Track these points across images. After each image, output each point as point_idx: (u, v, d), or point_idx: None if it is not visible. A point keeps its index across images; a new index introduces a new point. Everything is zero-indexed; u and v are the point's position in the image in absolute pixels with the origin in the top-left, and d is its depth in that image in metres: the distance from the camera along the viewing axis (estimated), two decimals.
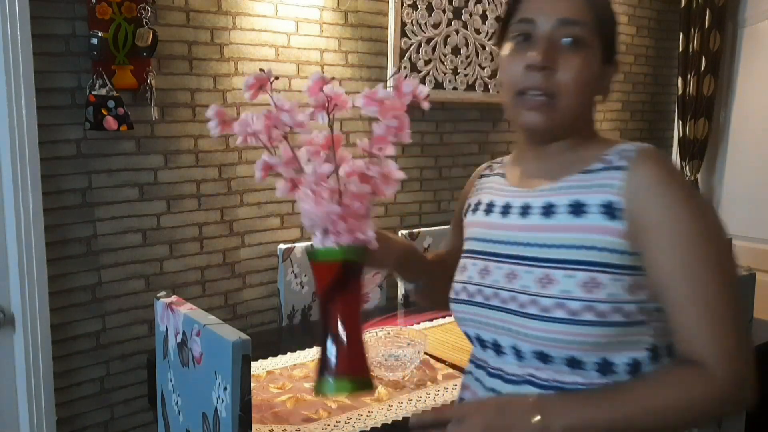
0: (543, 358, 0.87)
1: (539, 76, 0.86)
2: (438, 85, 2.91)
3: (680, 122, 3.79)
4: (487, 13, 3.04)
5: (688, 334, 0.82)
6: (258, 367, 1.94)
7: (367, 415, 1.66)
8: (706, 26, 3.63)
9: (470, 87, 3.03)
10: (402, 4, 2.76)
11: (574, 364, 0.85)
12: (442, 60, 2.92)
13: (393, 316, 2.28)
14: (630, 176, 0.85)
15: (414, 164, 2.92)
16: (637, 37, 3.71)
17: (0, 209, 1.98)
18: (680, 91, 3.76)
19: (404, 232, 2.69)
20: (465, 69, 3.00)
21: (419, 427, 0.88)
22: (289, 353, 2.06)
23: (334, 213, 0.84)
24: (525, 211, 0.94)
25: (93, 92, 2.07)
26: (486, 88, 3.07)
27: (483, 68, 3.06)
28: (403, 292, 2.61)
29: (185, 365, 1.57)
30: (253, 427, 1.48)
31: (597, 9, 0.89)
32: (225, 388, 1.39)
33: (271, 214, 2.60)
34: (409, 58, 2.83)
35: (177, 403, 1.64)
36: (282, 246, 2.43)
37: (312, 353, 2.06)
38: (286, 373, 1.91)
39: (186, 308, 1.59)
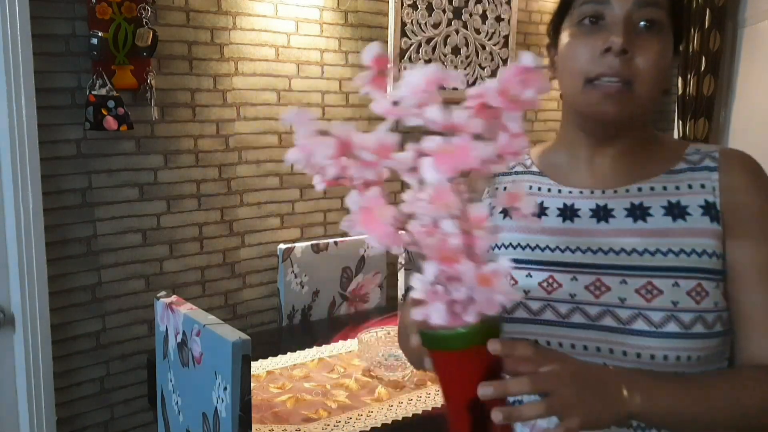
0: None
1: (617, 62, 0.77)
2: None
3: (680, 122, 3.79)
4: (487, 13, 3.04)
5: (763, 337, 0.79)
6: (258, 367, 1.94)
7: (367, 415, 1.66)
8: (706, 26, 3.63)
9: (470, 87, 3.03)
10: (402, 4, 2.77)
11: None
12: (442, 60, 2.92)
13: (393, 316, 2.28)
14: (722, 177, 0.82)
15: None
16: None
17: (0, 209, 1.98)
18: (680, 91, 3.76)
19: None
20: (465, 69, 3.00)
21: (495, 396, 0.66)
22: (289, 353, 2.06)
23: (470, 274, 0.58)
24: (604, 214, 0.84)
25: (93, 92, 2.07)
26: None
27: (483, 68, 3.07)
28: (402, 291, 2.62)
29: (185, 365, 1.57)
30: (253, 427, 1.48)
31: None
32: (225, 388, 1.39)
33: (271, 214, 2.60)
34: (409, 58, 2.83)
35: (177, 403, 1.64)
36: (282, 246, 2.43)
37: (312, 353, 2.06)
38: (286, 373, 1.91)
39: (186, 308, 1.59)
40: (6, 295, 2.01)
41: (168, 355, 1.67)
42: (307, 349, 2.09)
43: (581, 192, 0.86)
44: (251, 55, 2.46)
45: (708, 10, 3.62)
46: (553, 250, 0.85)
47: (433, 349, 0.62)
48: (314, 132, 0.65)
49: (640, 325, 0.77)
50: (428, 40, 2.88)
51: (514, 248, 0.87)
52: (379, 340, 1.95)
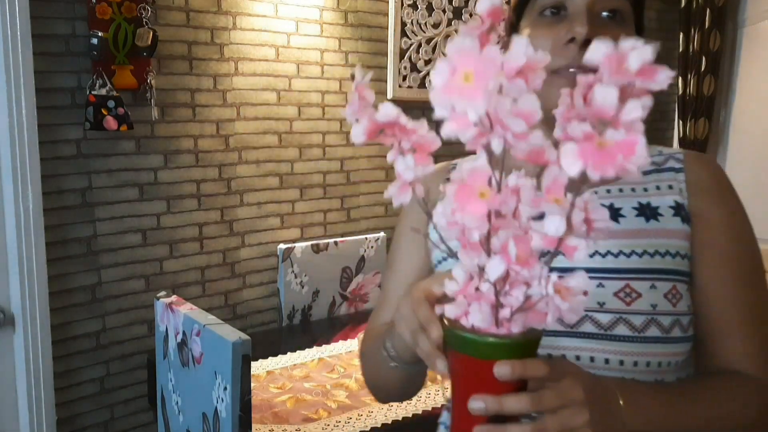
0: None
1: (582, 52, 0.72)
2: None
3: (680, 122, 3.79)
4: None
5: (735, 343, 0.78)
6: (258, 367, 1.94)
7: (367, 415, 1.66)
8: (706, 26, 3.63)
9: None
10: (402, 4, 2.76)
11: None
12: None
13: None
14: (688, 178, 0.81)
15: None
16: None
17: (0, 209, 1.98)
18: (680, 91, 3.76)
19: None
20: None
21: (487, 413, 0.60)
22: (289, 353, 2.06)
23: (548, 283, 0.52)
24: None
25: (93, 92, 2.07)
26: None
27: None
28: None
29: (185, 365, 1.57)
30: (253, 427, 1.48)
31: None
32: (225, 388, 1.39)
33: (271, 214, 2.60)
34: (409, 58, 2.83)
35: (177, 403, 1.64)
36: (282, 246, 2.43)
37: (312, 353, 2.06)
38: (286, 373, 1.91)
39: (186, 308, 1.59)
40: (6, 295, 2.01)
41: (168, 355, 1.67)
42: (307, 349, 2.09)
43: None
44: (251, 55, 2.46)
45: (708, 10, 3.62)
46: None
47: (460, 352, 0.56)
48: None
49: (621, 330, 0.74)
50: (428, 40, 2.87)
51: None
52: None
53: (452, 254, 0.56)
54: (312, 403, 1.71)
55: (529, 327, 0.54)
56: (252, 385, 1.58)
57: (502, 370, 0.53)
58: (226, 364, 1.37)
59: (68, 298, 2.16)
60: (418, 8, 2.81)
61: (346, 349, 2.10)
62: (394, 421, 1.63)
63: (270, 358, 2.02)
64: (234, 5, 2.40)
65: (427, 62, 2.89)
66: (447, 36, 2.93)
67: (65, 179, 2.12)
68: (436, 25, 2.89)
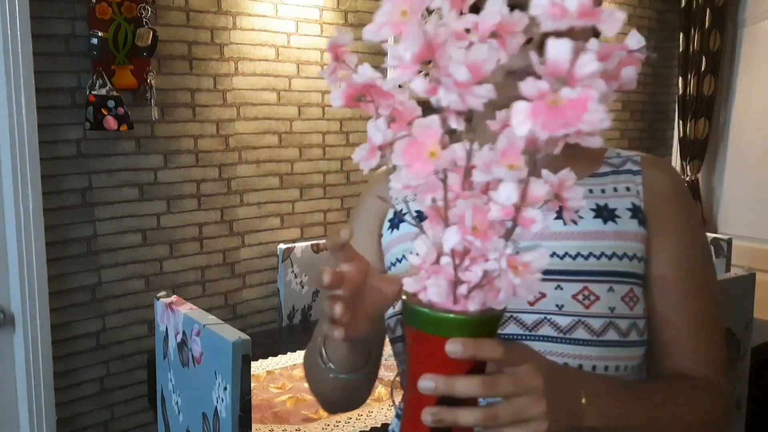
0: None
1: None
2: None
3: (680, 122, 3.79)
4: None
5: (688, 346, 0.78)
6: (258, 367, 1.94)
7: (367, 415, 1.66)
8: (706, 26, 3.63)
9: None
10: None
11: None
12: None
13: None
14: (645, 180, 0.81)
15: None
16: None
17: (0, 209, 1.98)
18: (680, 91, 3.76)
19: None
20: None
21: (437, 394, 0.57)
22: (289, 353, 2.06)
23: (502, 256, 0.48)
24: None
25: (93, 92, 2.06)
26: None
27: None
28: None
29: (185, 365, 1.57)
30: (253, 427, 1.48)
31: None
32: (225, 388, 1.39)
33: (271, 213, 2.60)
34: None
35: (177, 403, 1.64)
36: (282, 246, 2.43)
37: None
38: (286, 373, 1.91)
39: (186, 308, 1.59)
40: (6, 295, 2.01)
41: (168, 355, 1.67)
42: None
43: None
44: (251, 55, 2.46)
45: (708, 10, 3.62)
46: None
47: (416, 328, 0.53)
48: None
49: (580, 333, 0.72)
50: None
51: None
52: None
53: (418, 225, 0.53)
54: (312, 403, 1.71)
55: (488, 306, 0.51)
56: (252, 385, 1.58)
57: (454, 347, 0.51)
58: (226, 364, 1.37)
59: (68, 298, 2.16)
60: None
61: None
62: None
63: (270, 358, 2.02)
64: (234, 5, 2.40)
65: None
66: None
67: (65, 179, 2.12)
68: None
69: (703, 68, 3.67)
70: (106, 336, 2.25)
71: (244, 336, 1.38)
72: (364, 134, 0.59)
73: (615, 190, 0.81)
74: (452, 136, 0.50)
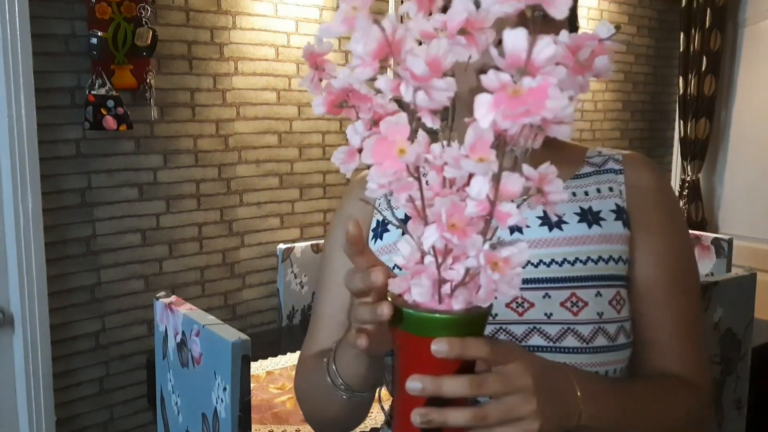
0: None
1: None
2: None
3: (681, 122, 3.79)
4: None
5: (670, 346, 0.77)
6: (258, 367, 1.93)
7: (367, 416, 1.65)
8: (707, 26, 3.63)
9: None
10: (401, 3, 2.76)
11: None
12: None
13: None
14: (627, 179, 0.80)
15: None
16: (638, 36, 3.71)
17: None
18: (681, 91, 3.76)
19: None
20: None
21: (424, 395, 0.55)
22: (288, 353, 2.06)
23: (480, 253, 0.48)
24: (517, 225, 0.79)
25: (92, 92, 2.06)
26: None
27: None
28: None
29: (185, 366, 1.57)
30: (253, 427, 1.47)
31: None
32: (224, 389, 1.38)
33: (271, 213, 2.60)
34: None
35: (176, 403, 1.64)
36: (282, 246, 2.43)
37: None
38: (286, 373, 1.91)
39: (185, 308, 1.58)
40: (5, 296, 2.01)
41: (167, 355, 1.66)
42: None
43: None
44: (251, 54, 2.45)
45: (708, 9, 3.61)
46: None
47: (402, 329, 0.52)
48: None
49: (570, 341, 0.72)
50: None
51: None
52: None
53: (401, 225, 0.52)
54: None
55: (474, 305, 0.50)
56: (252, 385, 1.58)
57: (439, 347, 0.50)
58: (226, 365, 1.37)
59: (67, 299, 2.16)
60: None
61: None
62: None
63: (270, 358, 2.02)
64: (234, 5, 2.39)
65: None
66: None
67: (65, 179, 2.12)
68: None
69: (703, 68, 3.66)
70: (106, 336, 2.25)
71: (244, 336, 1.37)
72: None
73: (598, 191, 0.80)
74: (432, 136, 0.50)
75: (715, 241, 2.60)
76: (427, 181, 0.50)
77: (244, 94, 2.46)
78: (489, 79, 0.44)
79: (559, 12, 0.45)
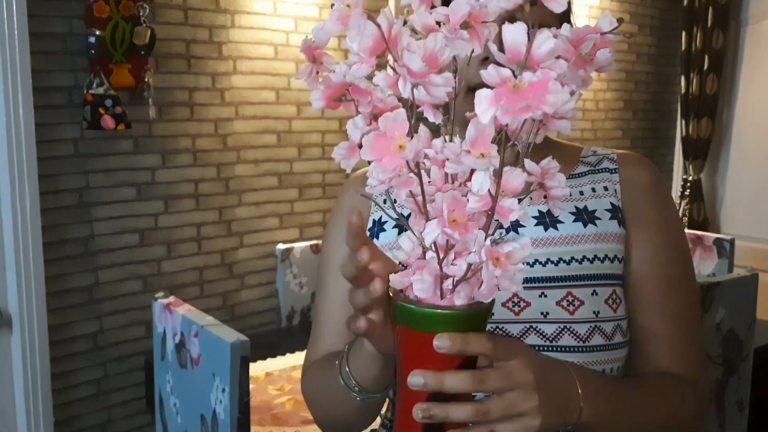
0: None
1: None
2: None
3: (683, 121, 3.78)
4: None
5: (666, 344, 0.77)
6: (257, 368, 1.92)
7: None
8: (709, 25, 3.62)
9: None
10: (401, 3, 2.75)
11: None
12: None
13: None
14: (622, 178, 0.81)
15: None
16: (640, 35, 3.70)
17: None
18: (683, 90, 3.75)
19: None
20: None
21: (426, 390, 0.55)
22: (288, 354, 2.05)
23: (482, 249, 0.47)
24: (512, 225, 0.74)
25: (90, 91, 2.05)
26: None
27: None
28: None
29: (183, 367, 1.56)
30: (252, 428, 1.47)
31: None
32: (223, 390, 1.38)
33: (270, 214, 2.59)
34: None
35: (175, 404, 1.63)
36: (281, 246, 2.42)
37: None
38: (285, 374, 1.90)
39: (184, 309, 1.58)
40: (3, 296, 2.00)
41: (166, 356, 1.65)
42: (306, 350, 2.08)
43: None
44: (250, 53, 2.44)
45: (711, 8, 3.60)
46: None
47: (404, 325, 0.53)
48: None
49: (566, 340, 0.72)
50: None
51: None
52: None
53: (403, 222, 0.53)
54: None
55: (475, 300, 0.50)
56: (251, 386, 1.57)
57: (441, 342, 0.50)
58: (225, 366, 1.36)
59: (65, 299, 2.15)
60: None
61: None
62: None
63: (269, 359, 2.01)
64: (232, 3, 2.38)
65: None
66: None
67: (62, 179, 2.11)
68: (436, 24, 2.87)
69: (705, 67, 3.65)
70: (104, 337, 2.24)
71: (243, 337, 1.37)
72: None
73: (593, 190, 0.80)
74: (436, 131, 0.50)
75: (717, 242, 2.59)
76: (429, 177, 0.50)
77: (242, 94, 2.45)
78: (489, 74, 0.44)
79: (558, 6, 0.45)
